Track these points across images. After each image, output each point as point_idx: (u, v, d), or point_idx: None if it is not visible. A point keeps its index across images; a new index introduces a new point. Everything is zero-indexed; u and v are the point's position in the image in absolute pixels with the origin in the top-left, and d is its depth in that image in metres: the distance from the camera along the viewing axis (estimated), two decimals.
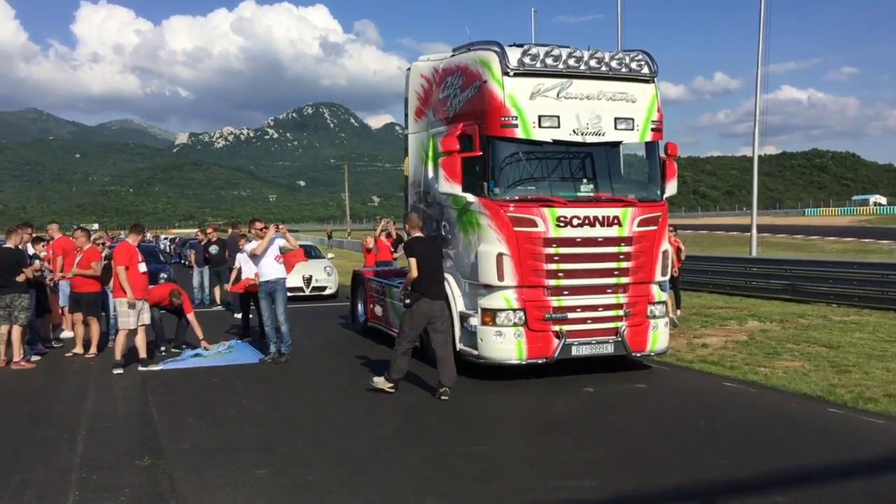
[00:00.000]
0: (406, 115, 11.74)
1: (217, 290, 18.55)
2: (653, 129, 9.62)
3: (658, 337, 9.72)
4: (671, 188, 9.99)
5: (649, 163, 9.85)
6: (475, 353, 9.30)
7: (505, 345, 9.07)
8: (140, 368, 10.49)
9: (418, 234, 9.11)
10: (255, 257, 10.93)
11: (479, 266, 9.19)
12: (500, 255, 9.02)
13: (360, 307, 13.87)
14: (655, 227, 9.60)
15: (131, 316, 10.43)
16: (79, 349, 11.85)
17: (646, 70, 9.58)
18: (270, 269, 10.90)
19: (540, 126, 9.13)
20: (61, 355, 11.81)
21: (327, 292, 20.35)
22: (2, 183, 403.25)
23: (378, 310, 12.70)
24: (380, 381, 8.93)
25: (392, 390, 8.83)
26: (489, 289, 9.22)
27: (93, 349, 11.84)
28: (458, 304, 9.74)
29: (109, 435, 7.31)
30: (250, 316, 13.20)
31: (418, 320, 8.75)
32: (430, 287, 8.70)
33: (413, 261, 8.69)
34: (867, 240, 42.63)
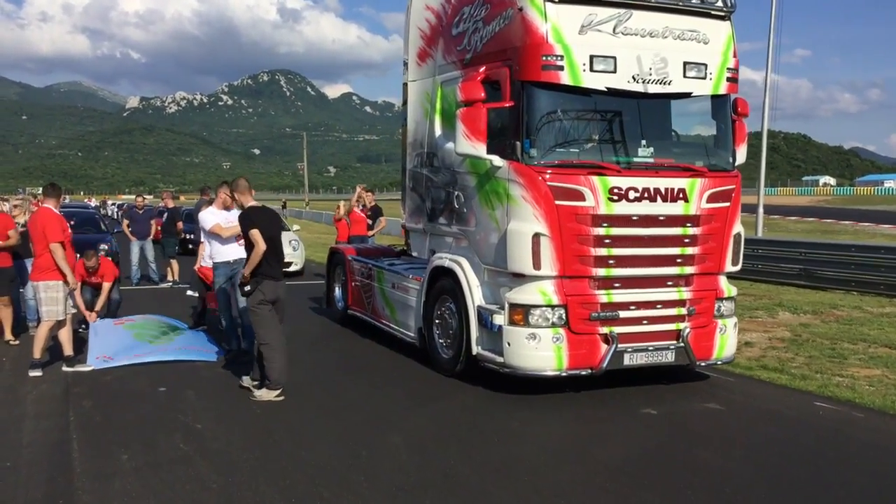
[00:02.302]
0: (405, 59, 9.52)
1: (174, 264, 16.17)
2: (728, 79, 7.60)
3: (726, 341, 7.78)
4: (741, 155, 8.01)
5: (720, 121, 7.83)
6: (500, 360, 7.25)
7: (540, 351, 7.04)
8: (65, 369, 8.23)
9: (252, 202, 7.56)
10: (214, 235, 8.65)
11: (509, 249, 7.11)
12: (536, 236, 6.95)
13: (337, 290, 11.69)
14: (728, 204, 7.62)
15: (60, 304, 8.13)
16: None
17: (722, 2, 7.53)
18: (231, 248, 8.68)
19: (591, 69, 7.04)
20: None
21: (293, 269, 18.06)
22: None
23: (362, 295, 10.55)
24: (263, 393, 7.23)
25: (281, 397, 7.18)
26: (520, 279, 7.16)
27: (7, 334, 9.57)
28: (476, 296, 7.66)
29: (3, 484, 5.11)
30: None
31: (265, 304, 7.24)
32: (271, 267, 7.30)
33: (256, 233, 7.13)
34: (828, 220, 41.69)
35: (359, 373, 8.42)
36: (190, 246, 17.74)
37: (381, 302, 9.85)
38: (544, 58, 6.97)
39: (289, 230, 19.62)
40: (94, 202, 57.17)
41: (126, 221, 16.81)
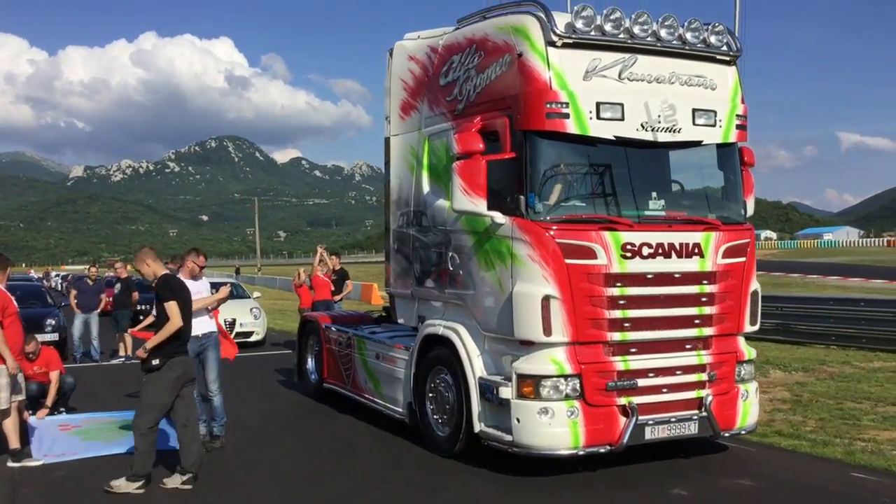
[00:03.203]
0: (387, 114, 8.95)
1: (122, 338, 15.00)
2: (737, 127, 7.17)
3: (749, 408, 7.17)
4: (750, 207, 7.57)
5: (729, 171, 7.37)
6: (508, 438, 6.50)
7: (554, 427, 6.32)
8: (10, 464, 7.21)
9: (162, 269, 6.93)
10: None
11: (515, 314, 6.45)
12: (546, 299, 6.31)
13: (310, 362, 10.82)
14: (743, 259, 7.10)
15: (3, 391, 7.15)
16: None
17: (727, 47, 7.15)
18: (200, 321, 7.84)
19: (599, 117, 6.54)
20: None
21: (254, 339, 17.13)
22: None
23: (340, 367, 9.73)
24: (121, 484, 6.33)
25: (141, 490, 6.32)
26: (528, 347, 6.49)
27: None
28: (476, 366, 6.95)
29: None
30: None
31: (174, 386, 6.49)
32: (186, 340, 6.73)
33: (173, 305, 6.48)
34: (777, 273, 42.20)
35: (346, 458, 7.57)
36: (141, 317, 16.65)
37: (363, 374, 9.04)
38: (548, 105, 6.44)
39: (248, 297, 18.68)
40: (36, 274, 55.01)
41: (74, 292, 15.68)
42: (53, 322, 14.95)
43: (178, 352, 6.56)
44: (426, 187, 7.95)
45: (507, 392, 6.49)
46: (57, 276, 52.19)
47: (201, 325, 7.80)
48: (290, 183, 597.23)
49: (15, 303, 7.61)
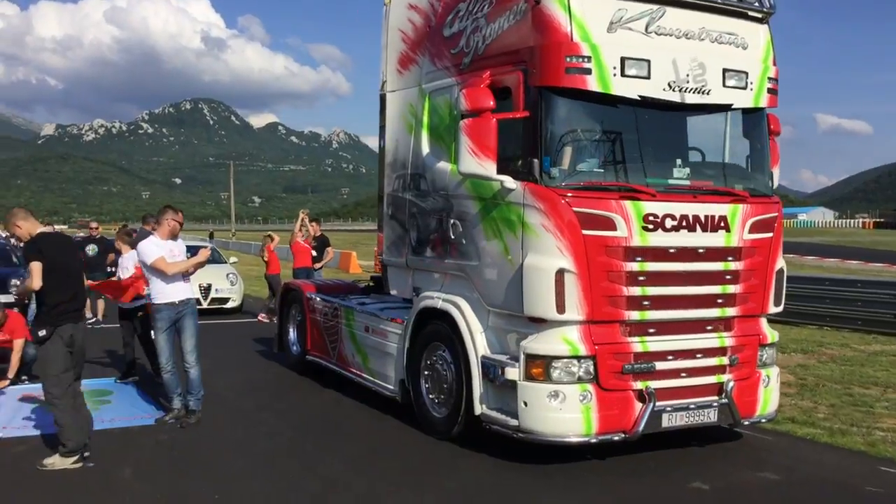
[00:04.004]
0: (383, 68, 8.26)
1: (101, 304, 14.26)
2: (769, 91, 6.59)
3: (770, 395, 6.68)
4: (776, 179, 7.03)
5: (756, 139, 6.80)
6: (513, 423, 5.96)
7: (565, 413, 5.79)
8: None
9: (38, 228, 6.25)
10: (157, 271, 7.06)
11: (525, 289, 5.87)
12: (560, 273, 5.74)
13: (292, 333, 10.19)
14: (770, 235, 6.57)
15: None
16: None
17: (760, 3, 6.55)
18: (177, 286, 7.18)
19: (623, 74, 5.92)
20: None
21: (230, 305, 16.45)
22: None
23: (325, 339, 9.12)
24: (55, 461, 5.89)
25: (79, 464, 5.90)
26: (540, 324, 5.93)
27: None
28: (478, 344, 6.38)
29: None
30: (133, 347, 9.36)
31: (64, 355, 5.96)
32: (71, 304, 6.09)
33: (36, 266, 5.89)
34: None
35: (332, 438, 6.99)
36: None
37: (351, 348, 8.45)
38: (568, 59, 5.82)
39: (224, 262, 17.96)
40: (3, 233, 53.53)
41: None
42: (18, 282, 14.15)
43: (65, 319, 5.97)
44: (426, 148, 7.31)
45: (513, 373, 5.93)
46: None
47: (178, 291, 7.16)
48: (265, 148, 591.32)
49: None
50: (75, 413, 6.03)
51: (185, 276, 7.32)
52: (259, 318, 14.95)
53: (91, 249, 14.34)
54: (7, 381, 8.44)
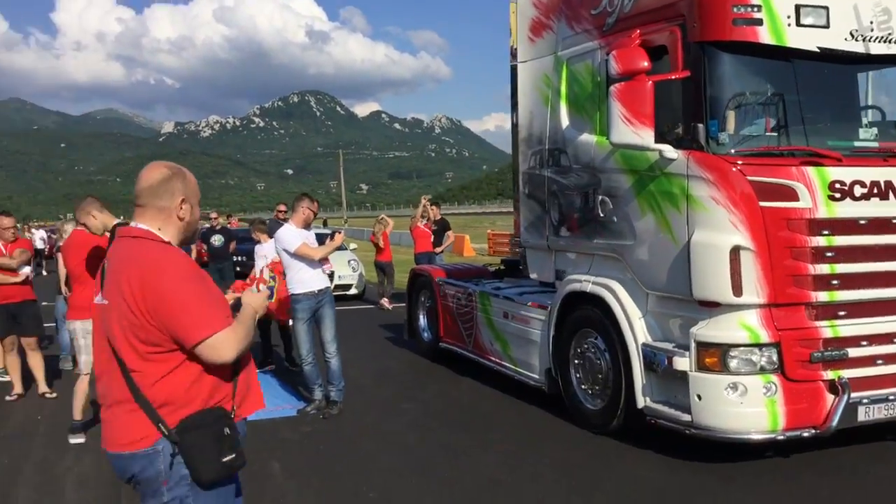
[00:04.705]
0: (513, 40, 7.77)
1: (230, 294, 14.42)
2: None
3: None
4: None
5: None
6: (685, 418, 5.40)
7: (747, 406, 5.18)
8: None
9: (113, 220, 6.03)
10: (300, 259, 6.81)
11: (694, 269, 5.29)
12: (735, 251, 5.13)
13: (422, 319, 9.92)
14: None
15: (83, 353, 6.45)
16: (20, 388, 7.97)
17: None
18: (315, 275, 6.97)
19: (798, 23, 5.23)
20: None
21: (352, 292, 16.44)
22: None
23: (459, 326, 8.77)
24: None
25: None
26: (712, 308, 5.34)
27: (42, 386, 7.96)
28: (638, 331, 5.84)
29: None
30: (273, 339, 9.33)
31: None
32: None
33: None
34: None
35: (478, 430, 6.60)
36: (238, 269, 16.15)
37: (489, 335, 8.06)
38: (735, 9, 5.18)
39: (345, 249, 17.96)
40: (38, 232, 56.24)
41: None
42: None
43: None
44: (565, 120, 6.79)
45: (683, 363, 5.36)
46: None
47: (317, 280, 6.95)
48: (370, 136, 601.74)
49: None
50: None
51: (321, 264, 7.11)
52: (381, 304, 14.81)
53: (216, 240, 14.56)
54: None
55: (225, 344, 2.50)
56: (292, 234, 6.94)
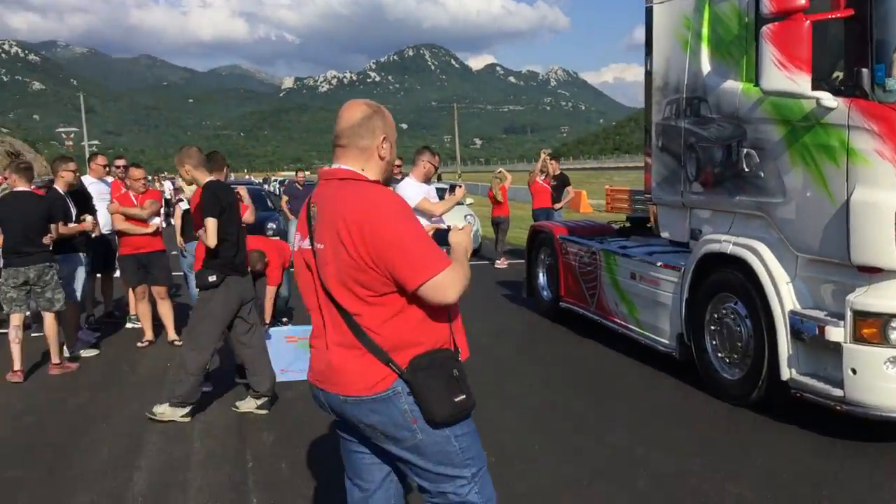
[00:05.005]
0: None
1: None
2: None
3: None
4: None
5: None
6: (836, 393, 4.93)
7: None
8: (238, 380, 6.70)
9: (206, 177, 5.89)
10: (420, 214, 6.69)
11: (853, 230, 4.78)
12: None
13: (542, 277, 9.66)
14: None
15: None
16: (150, 335, 8.26)
17: None
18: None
19: None
20: (122, 342, 8.23)
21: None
22: (122, 128, 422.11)
23: (582, 286, 8.46)
24: (166, 411, 5.70)
25: (188, 419, 5.72)
26: (872, 275, 4.82)
27: (171, 334, 8.21)
28: (785, 297, 5.37)
29: None
30: None
31: (229, 305, 5.78)
32: (245, 260, 5.99)
33: (211, 222, 5.62)
34: None
35: (606, 397, 6.31)
36: None
37: (613, 296, 7.71)
38: None
39: (462, 203, 17.78)
40: (255, 179, 58.30)
41: (285, 198, 15.47)
42: (274, 226, 14.94)
43: (235, 271, 5.80)
44: (707, 66, 6.27)
45: (836, 333, 4.89)
46: (275, 181, 54.85)
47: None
48: (484, 90, 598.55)
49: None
50: (203, 370, 5.83)
51: (434, 219, 6.94)
52: (497, 263, 14.58)
53: None
54: (266, 326, 8.67)
55: (448, 284, 2.41)
56: (412, 189, 6.77)
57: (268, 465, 4.86)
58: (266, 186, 37.11)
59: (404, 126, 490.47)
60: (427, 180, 6.97)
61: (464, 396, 2.51)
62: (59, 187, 7.60)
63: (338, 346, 2.52)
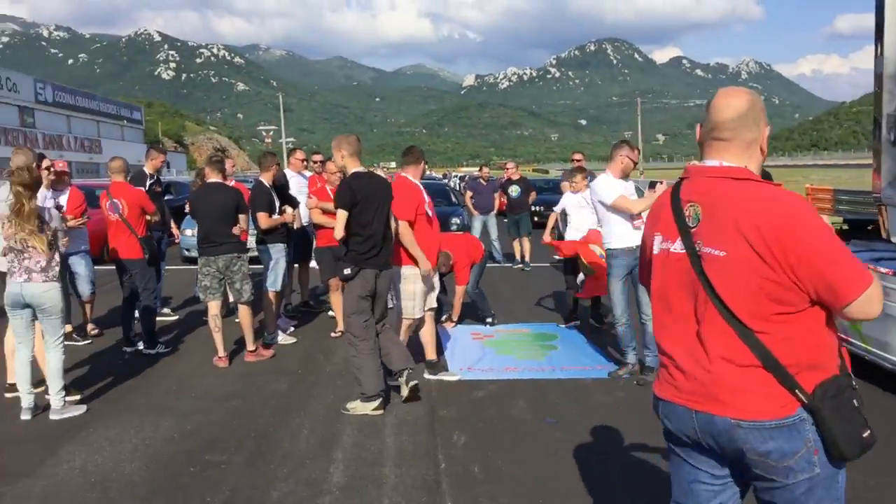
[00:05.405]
0: None
1: (520, 244, 14.38)
2: None
3: None
4: None
5: None
6: None
7: None
8: (427, 376, 6.70)
9: (356, 167, 5.91)
10: (617, 212, 6.33)
11: None
12: None
13: None
14: None
15: (417, 297, 6.53)
16: (342, 325, 8.46)
17: None
18: (633, 230, 6.46)
19: None
20: (317, 332, 8.49)
21: None
22: (314, 125, 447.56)
23: None
24: (357, 406, 5.79)
25: (380, 411, 5.74)
26: None
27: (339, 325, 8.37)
28: None
29: None
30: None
31: (362, 298, 5.79)
32: (380, 253, 5.85)
33: (342, 213, 5.67)
34: None
35: None
36: (535, 218, 16.07)
37: None
38: None
39: None
40: (437, 175, 59.55)
41: (469, 193, 15.45)
42: (458, 221, 15.01)
43: (370, 263, 5.75)
44: None
45: None
46: (455, 176, 55.77)
47: (637, 236, 6.42)
48: (669, 84, 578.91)
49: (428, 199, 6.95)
50: (373, 358, 5.82)
51: (635, 218, 6.57)
52: None
53: (513, 190, 14.41)
54: (452, 322, 8.66)
55: (875, 299, 2.13)
56: (610, 185, 6.45)
57: (461, 466, 4.74)
58: (450, 182, 37.70)
59: (583, 122, 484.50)
60: (625, 176, 6.61)
61: (869, 431, 2.19)
62: (265, 180, 7.95)
63: (727, 363, 2.22)
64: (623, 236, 6.42)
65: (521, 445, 5.13)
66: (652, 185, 6.70)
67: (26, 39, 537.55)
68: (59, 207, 6.98)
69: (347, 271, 5.76)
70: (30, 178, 5.53)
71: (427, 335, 6.76)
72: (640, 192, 7.67)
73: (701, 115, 2.43)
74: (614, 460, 4.85)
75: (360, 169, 5.96)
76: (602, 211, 6.50)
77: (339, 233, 5.72)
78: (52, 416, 5.70)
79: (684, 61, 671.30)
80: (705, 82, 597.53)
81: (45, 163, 7.20)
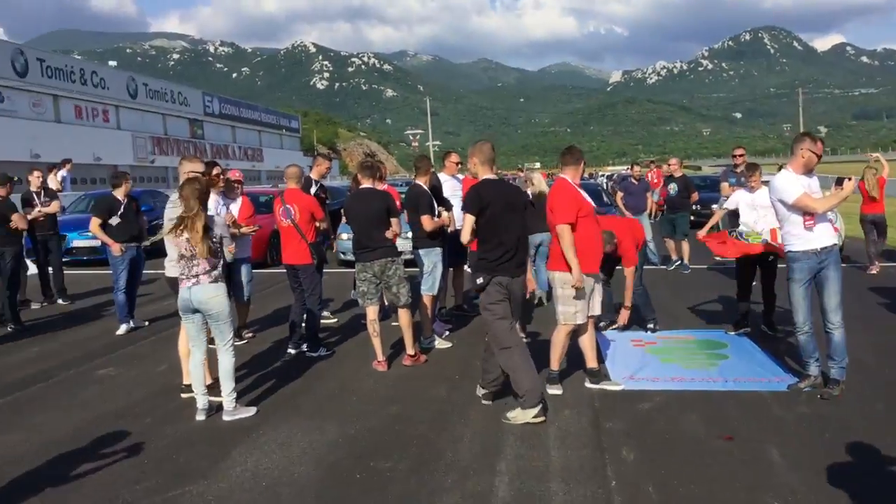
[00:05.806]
0: None
1: (677, 245, 13.74)
2: None
3: None
4: None
5: None
6: None
7: None
8: (588, 385, 6.45)
9: (488, 174, 5.92)
10: (796, 210, 5.84)
11: None
12: None
13: None
14: None
15: (579, 304, 6.27)
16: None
17: None
18: (821, 230, 5.93)
19: None
20: (472, 336, 8.40)
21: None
22: (459, 128, 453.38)
23: None
24: (518, 415, 5.60)
25: (541, 417, 5.55)
26: None
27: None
28: None
29: None
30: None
31: (499, 304, 5.73)
32: (513, 259, 5.77)
33: (468, 218, 5.74)
34: None
35: None
36: (692, 217, 15.26)
37: None
38: None
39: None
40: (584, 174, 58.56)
41: (620, 194, 14.89)
42: None
43: (502, 270, 5.71)
44: None
45: None
46: (602, 175, 54.66)
47: (822, 237, 5.91)
48: (832, 72, 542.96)
49: (590, 201, 6.68)
50: (525, 358, 5.70)
51: (807, 218, 6.01)
52: (868, 268, 12.72)
53: (672, 188, 13.76)
54: (619, 326, 8.33)
55: None
56: (791, 183, 5.94)
57: (633, 485, 4.47)
58: (598, 182, 36.89)
59: (738, 115, 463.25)
60: (808, 171, 6.06)
61: None
62: (422, 184, 7.97)
63: None
64: (806, 237, 5.90)
65: (697, 463, 4.78)
66: (839, 182, 6.08)
67: (195, 55, 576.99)
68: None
69: (480, 280, 5.74)
70: (199, 185, 5.76)
71: (587, 342, 6.50)
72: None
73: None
74: (803, 485, 4.40)
75: (491, 176, 5.99)
76: (782, 210, 5.99)
77: (466, 237, 5.81)
78: (225, 418, 5.91)
79: (848, 48, 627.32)
80: (871, 70, 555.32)
81: (216, 170, 7.52)
